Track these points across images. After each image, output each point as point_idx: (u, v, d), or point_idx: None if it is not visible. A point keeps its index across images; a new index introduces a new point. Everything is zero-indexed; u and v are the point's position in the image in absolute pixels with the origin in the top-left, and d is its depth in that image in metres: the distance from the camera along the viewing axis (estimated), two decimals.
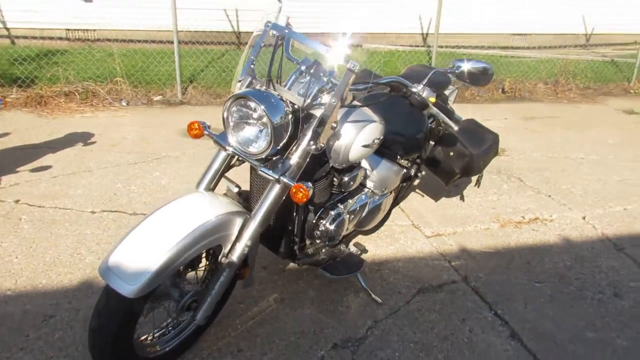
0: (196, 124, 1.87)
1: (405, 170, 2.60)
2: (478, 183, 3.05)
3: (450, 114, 2.25)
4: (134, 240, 1.61)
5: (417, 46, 8.98)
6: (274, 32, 1.92)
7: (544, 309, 2.42)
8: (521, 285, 2.60)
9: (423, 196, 3.55)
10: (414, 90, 1.89)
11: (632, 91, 7.19)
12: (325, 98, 1.83)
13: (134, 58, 6.62)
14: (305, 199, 1.70)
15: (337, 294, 2.46)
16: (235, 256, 1.79)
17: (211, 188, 1.94)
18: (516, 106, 6.36)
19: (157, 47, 7.18)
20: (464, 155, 2.73)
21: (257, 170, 1.84)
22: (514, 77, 6.99)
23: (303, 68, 1.89)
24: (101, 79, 6.00)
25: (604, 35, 9.61)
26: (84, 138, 4.56)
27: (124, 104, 5.77)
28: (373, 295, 2.42)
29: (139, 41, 7.57)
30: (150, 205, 3.27)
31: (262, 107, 1.67)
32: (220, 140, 1.87)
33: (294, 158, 1.80)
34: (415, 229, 3.11)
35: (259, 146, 1.75)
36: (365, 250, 2.79)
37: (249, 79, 1.88)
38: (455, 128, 2.02)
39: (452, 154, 2.76)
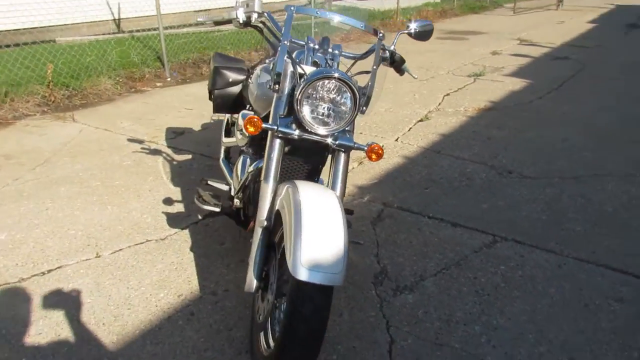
0: (255, 119, 1.82)
1: None
2: None
3: None
4: (308, 238, 1.58)
5: (114, 33, 8.51)
6: (255, 16, 2.03)
7: (449, 202, 3.26)
8: (421, 194, 3.37)
9: None
10: (392, 49, 2.31)
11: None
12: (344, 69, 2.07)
13: None
14: (380, 158, 1.96)
15: None
16: None
17: (277, 179, 1.93)
18: None
19: None
20: None
21: (293, 149, 1.98)
22: (233, 49, 7.63)
23: (311, 45, 2.07)
24: None
25: None
26: None
27: None
28: (355, 240, 2.77)
29: None
30: (60, 251, 2.63)
31: (339, 75, 1.80)
32: (284, 127, 1.88)
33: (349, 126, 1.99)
34: None
35: (343, 115, 1.86)
36: None
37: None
38: (415, 77, 2.52)
39: None
